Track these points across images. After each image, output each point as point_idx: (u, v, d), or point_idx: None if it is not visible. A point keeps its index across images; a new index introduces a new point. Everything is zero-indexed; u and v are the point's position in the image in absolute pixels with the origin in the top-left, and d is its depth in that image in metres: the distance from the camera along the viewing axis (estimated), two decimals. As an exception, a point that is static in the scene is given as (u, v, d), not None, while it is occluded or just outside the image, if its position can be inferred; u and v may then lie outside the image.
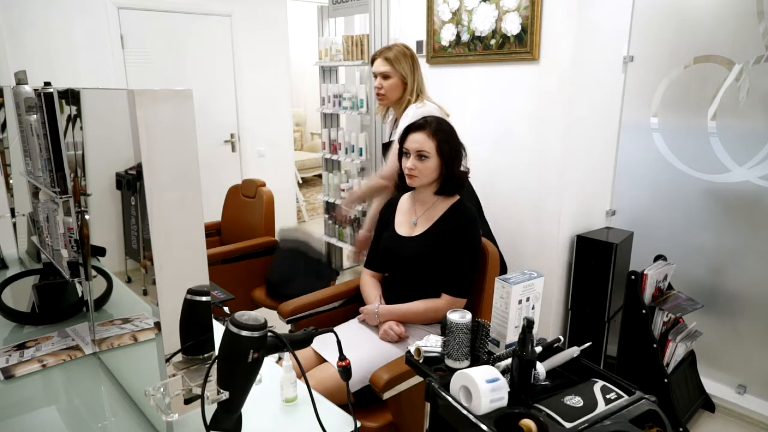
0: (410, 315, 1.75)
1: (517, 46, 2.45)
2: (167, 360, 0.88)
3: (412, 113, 2.07)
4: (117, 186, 0.99)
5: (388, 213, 1.92)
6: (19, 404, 1.13)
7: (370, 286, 1.90)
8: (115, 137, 0.96)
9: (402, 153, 1.76)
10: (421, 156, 1.69)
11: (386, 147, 2.28)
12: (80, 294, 1.56)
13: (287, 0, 4.78)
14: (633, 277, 2.15)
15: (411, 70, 2.16)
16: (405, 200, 1.90)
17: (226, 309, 2.04)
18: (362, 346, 1.68)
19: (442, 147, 1.69)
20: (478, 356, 1.25)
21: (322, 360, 1.68)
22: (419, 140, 1.69)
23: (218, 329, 0.96)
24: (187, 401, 0.90)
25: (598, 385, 1.12)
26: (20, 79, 1.43)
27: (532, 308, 1.22)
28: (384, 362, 1.56)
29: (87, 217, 1.19)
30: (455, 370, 1.11)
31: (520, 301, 1.19)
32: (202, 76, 4.34)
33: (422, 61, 2.94)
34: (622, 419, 1.01)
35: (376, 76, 2.19)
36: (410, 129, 1.74)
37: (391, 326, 1.72)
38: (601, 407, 1.04)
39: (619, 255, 2.35)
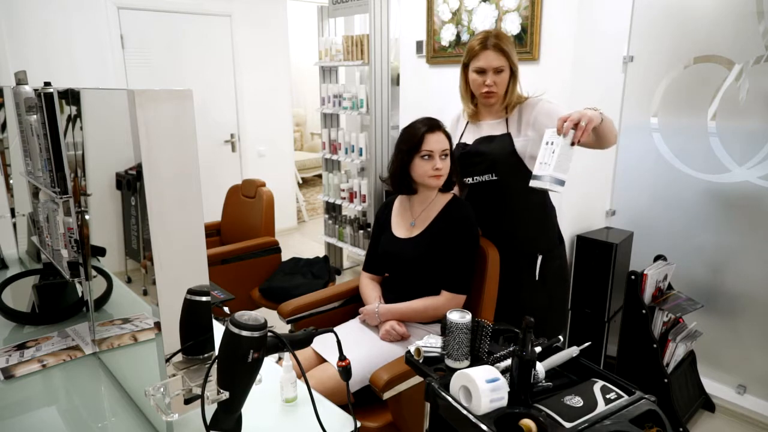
0: (410, 313, 1.75)
1: (517, 46, 2.45)
2: (167, 360, 0.88)
3: (547, 109, 1.75)
4: (117, 186, 0.99)
5: (383, 216, 1.92)
6: (19, 404, 1.13)
7: (369, 287, 1.90)
8: (115, 137, 0.96)
9: (413, 156, 1.70)
10: (444, 155, 1.71)
11: (471, 155, 1.87)
12: (80, 294, 1.56)
13: (287, 0, 4.78)
14: (633, 277, 2.15)
15: (516, 59, 1.81)
16: (399, 202, 1.89)
17: (226, 309, 2.04)
18: (362, 346, 1.68)
19: (452, 144, 1.76)
20: (478, 356, 1.25)
21: (322, 360, 1.68)
22: (441, 140, 1.71)
23: (218, 329, 0.96)
24: (187, 401, 0.90)
25: (598, 385, 1.12)
26: (20, 79, 1.43)
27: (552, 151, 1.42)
28: (384, 362, 1.56)
29: (87, 217, 1.19)
30: (455, 370, 1.11)
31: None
32: (202, 76, 4.35)
33: (422, 62, 2.95)
34: (622, 419, 1.01)
35: (482, 72, 1.77)
36: (427, 131, 1.69)
37: (393, 326, 1.72)
38: (601, 407, 1.04)
39: (619, 255, 2.35)
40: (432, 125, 1.72)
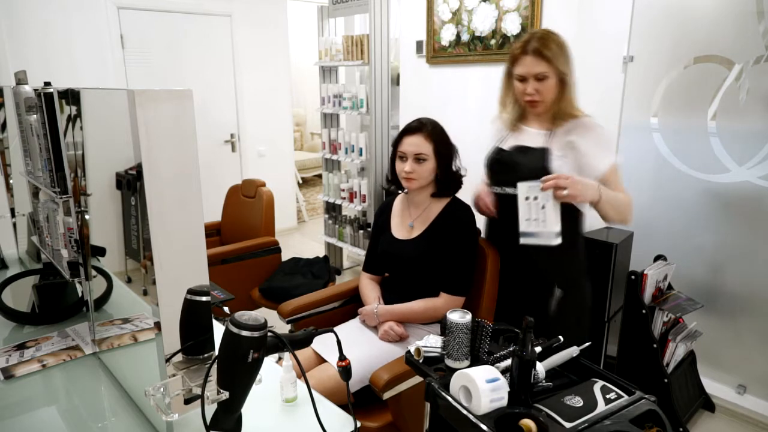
0: (409, 314, 1.75)
1: (517, 46, 2.45)
2: (167, 360, 0.88)
3: (597, 136, 1.59)
4: (117, 186, 0.99)
5: (382, 217, 1.92)
6: (19, 404, 1.13)
7: (369, 288, 1.90)
8: (115, 137, 0.96)
9: (395, 156, 1.76)
10: (418, 159, 1.69)
11: (503, 164, 1.72)
12: (80, 294, 1.56)
13: (287, 0, 4.78)
14: (633, 277, 2.15)
15: (569, 63, 1.59)
16: (398, 203, 1.89)
17: (226, 309, 2.04)
18: (362, 346, 1.68)
19: (439, 149, 1.71)
20: (478, 356, 1.25)
21: (322, 360, 1.68)
22: (417, 143, 1.69)
23: (218, 329, 0.96)
24: (187, 401, 0.90)
25: (598, 385, 1.12)
26: (20, 79, 1.43)
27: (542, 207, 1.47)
28: (384, 362, 1.56)
29: (87, 217, 1.19)
30: (455, 370, 1.11)
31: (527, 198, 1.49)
32: (202, 76, 4.35)
33: (422, 62, 2.95)
34: (622, 419, 1.01)
35: (523, 79, 1.60)
36: (406, 132, 1.74)
37: (391, 326, 1.72)
38: (601, 407, 1.04)
39: (619, 255, 2.35)
40: (413, 127, 1.72)
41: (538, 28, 2.35)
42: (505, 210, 1.65)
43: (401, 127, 1.80)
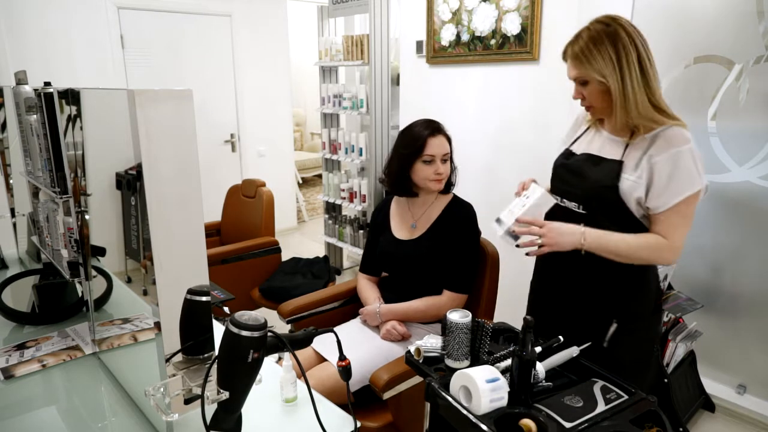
0: (412, 313, 1.75)
1: (517, 46, 2.45)
2: (167, 360, 0.88)
3: (675, 159, 1.26)
4: (117, 186, 0.99)
5: (380, 217, 1.90)
6: (19, 404, 1.13)
7: (368, 288, 1.89)
8: (115, 137, 0.96)
9: (414, 159, 1.69)
10: (444, 159, 1.71)
11: (568, 171, 1.46)
12: (80, 294, 1.56)
13: (287, 0, 4.78)
14: (633, 277, 2.14)
15: (618, 61, 1.26)
16: (396, 203, 1.88)
17: (226, 309, 2.04)
18: (362, 346, 1.68)
19: (452, 147, 1.75)
20: (478, 356, 1.25)
21: (322, 359, 1.68)
22: (442, 144, 1.70)
23: (218, 329, 0.96)
24: (187, 401, 0.90)
25: (598, 385, 1.12)
26: (20, 79, 1.43)
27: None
28: (384, 362, 1.56)
29: (87, 217, 1.19)
30: (455, 370, 1.11)
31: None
32: (202, 76, 4.35)
33: (422, 62, 2.95)
34: (622, 419, 1.01)
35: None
36: (428, 135, 1.68)
37: (394, 326, 1.72)
38: (601, 407, 1.04)
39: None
40: (434, 128, 1.71)
41: (538, 28, 2.34)
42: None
43: (401, 127, 1.79)
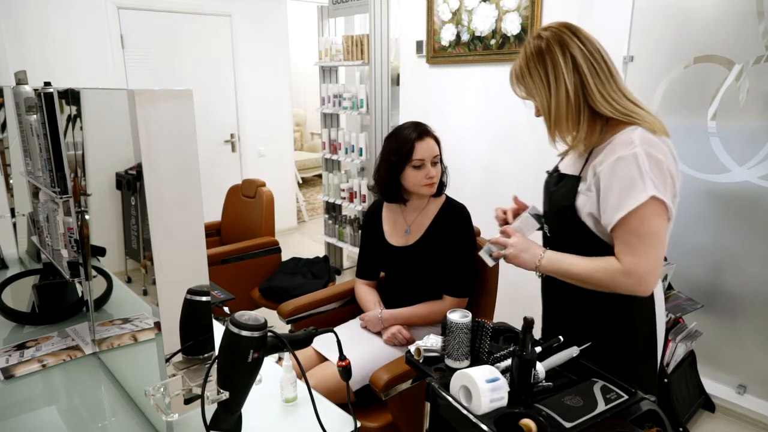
0: (414, 318, 1.74)
1: (517, 46, 2.45)
2: (167, 360, 0.88)
3: (621, 167, 1.11)
4: (117, 186, 0.99)
5: (373, 222, 1.86)
6: (19, 404, 1.13)
7: (367, 293, 1.87)
8: (115, 137, 0.96)
9: (403, 166, 1.66)
10: (434, 162, 1.68)
11: (545, 189, 1.37)
12: (80, 294, 1.56)
13: (287, 0, 4.79)
14: (633, 277, 2.14)
15: (545, 77, 1.18)
16: (388, 207, 1.84)
17: (226, 309, 2.04)
18: (362, 346, 1.68)
19: (441, 148, 1.72)
20: (478, 356, 1.25)
21: (322, 359, 1.68)
22: (431, 147, 1.67)
23: (218, 329, 0.96)
24: (187, 401, 0.90)
25: (598, 385, 1.12)
26: (20, 79, 1.43)
27: None
28: (384, 362, 1.56)
29: (87, 217, 1.19)
30: (455, 370, 1.11)
31: None
32: (202, 76, 4.35)
33: (422, 62, 2.95)
34: (622, 419, 1.01)
35: None
36: (414, 139, 1.64)
37: (399, 330, 1.71)
38: (601, 407, 1.04)
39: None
40: (420, 131, 1.67)
41: (538, 28, 2.34)
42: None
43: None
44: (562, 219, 1.24)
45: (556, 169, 1.35)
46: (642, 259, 1.10)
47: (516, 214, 1.39)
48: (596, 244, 1.18)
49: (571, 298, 1.27)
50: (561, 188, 1.26)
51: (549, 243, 1.33)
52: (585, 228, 1.19)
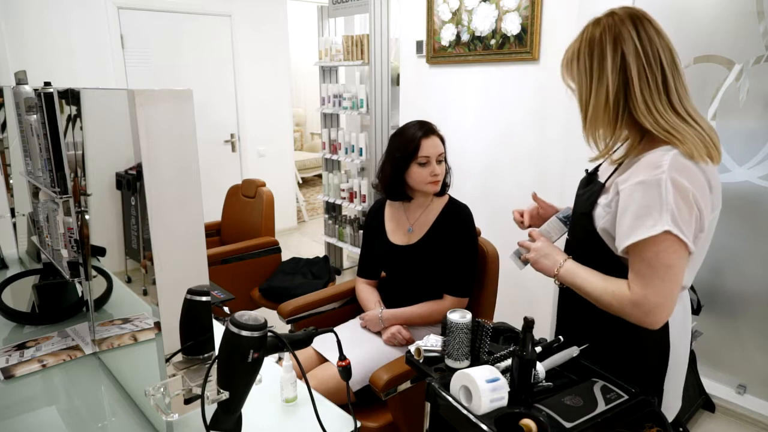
0: (415, 318, 1.74)
1: (517, 46, 2.45)
2: (167, 360, 0.88)
3: (640, 190, 1.02)
4: (117, 186, 0.99)
5: (375, 221, 1.87)
6: (19, 404, 1.13)
7: (367, 292, 1.87)
8: (115, 137, 0.96)
9: (408, 163, 1.66)
10: (439, 160, 1.69)
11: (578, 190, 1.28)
12: (80, 294, 1.56)
13: (287, 0, 4.79)
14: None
15: (589, 69, 1.08)
16: (391, 207, 1.85)
17: (226, 309, 2.04)
18: (362, 346, 1.68)
19: (445, 147, 1.73)
20: (478, 356, 1.25)
21: (322, 360, 1.68)
22: (436, 144, 1.68)
23: (218, 329, 0.96)
24: (187, 401, 0.90)
25: (598, 385, 1.12)
26: (20, 79, 1.43)
27: None
28: (384, 362, 1.56)
29: (87, 217, 1.19)
30: (455, 370, 1.11)
31: None
32: (202, 76, 4.35)
33: (422, 62, 2.94)
34: (622, 419, 1.01)
35: None
36: (421, 137, 1.65)
37: (399, 330, 1.71)
38: (601, 407, 1.04)
39: (619, 255, 2.34)
40: (427, 129, 1.68)
41: (538, 28, 2.34)
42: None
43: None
44: (580, 225, 1.19)
45: (595, 170, 1.27)
46: (651, 291, 1.02)
47: (537, 214, 1.38)
48: (609, 258, 1.12)
49: (584, 312, 1.21)
50: (586, 193, 1.20)
51: (568, 248, 1.27)
52: (599, 240, 1.13)
